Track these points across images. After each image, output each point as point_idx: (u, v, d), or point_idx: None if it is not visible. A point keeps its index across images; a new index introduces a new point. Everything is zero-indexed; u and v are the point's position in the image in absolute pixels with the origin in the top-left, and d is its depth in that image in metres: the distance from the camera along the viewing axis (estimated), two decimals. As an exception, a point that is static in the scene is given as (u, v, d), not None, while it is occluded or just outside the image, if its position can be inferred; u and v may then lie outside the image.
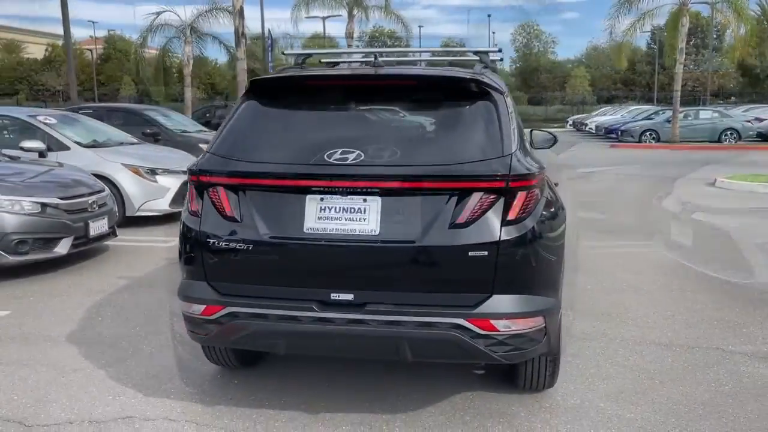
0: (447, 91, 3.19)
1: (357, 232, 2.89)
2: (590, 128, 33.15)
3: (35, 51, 65.66)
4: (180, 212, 3.37)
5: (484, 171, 2.86)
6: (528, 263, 2.94)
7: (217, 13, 26.84)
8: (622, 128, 27.13)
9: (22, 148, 8.12)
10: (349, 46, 27.16)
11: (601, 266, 6.50)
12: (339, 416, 3.40)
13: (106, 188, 7.14)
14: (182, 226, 3.20)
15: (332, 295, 2.93)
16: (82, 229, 6.36)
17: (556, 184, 4.55)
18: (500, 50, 4.06)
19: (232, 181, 3.03)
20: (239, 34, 18.09)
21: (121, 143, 9.50)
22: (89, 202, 6.53)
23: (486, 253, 2.83)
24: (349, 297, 2.92)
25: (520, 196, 2.90)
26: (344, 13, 28.62)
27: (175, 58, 31.54)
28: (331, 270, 2.95)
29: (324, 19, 35.28)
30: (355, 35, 29.48)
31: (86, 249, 6.70)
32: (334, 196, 2.93)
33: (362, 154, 2.90)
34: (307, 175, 2.94)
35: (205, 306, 3.09)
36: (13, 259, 5.89)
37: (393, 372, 3.87)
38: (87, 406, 3.52)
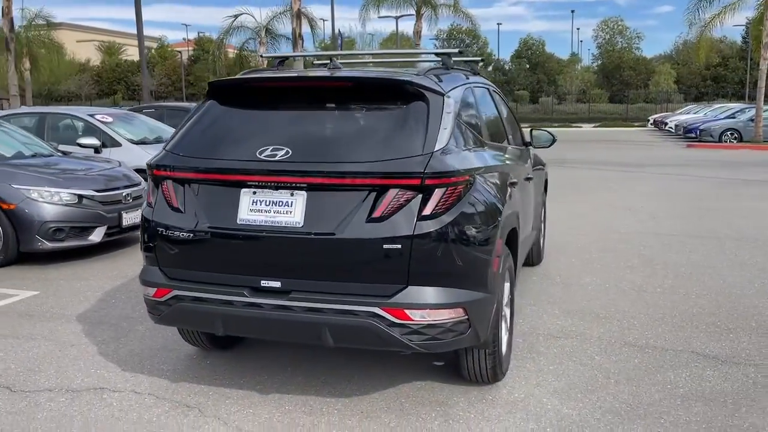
0: (380, 92, 3.33)
1: (283, 224, 3.10)
2: (669, 127, 31.83)
3: (134, 53, 69.55)
4: None
5: (399, 169, 3.00)
6: (445, 257, 3.04)
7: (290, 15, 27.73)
8: (701, 127, 25.89)
9: (79, 145, 8.84)
10: (416, 44, 27.35)
11: (614, 266, 6.42)
12: (286, 397, 3.61)
13: (143, 182, 7.66)
14: (141, 216, 3.51)
15: (262, 282, 3.16)
16: (116, 219, 6.89)
17: (527, 179, 4.57)
18: (461, 52, 4.15)
19: (179, 175, 3.31)
20: (296, 36, 18.67)
21: (171, 140, 10.08)
22: (123, 194, 7.05)
23: (400, 246, 2.97)
24: (277, 284, 3.14)
25: (437, 193, 3.01)
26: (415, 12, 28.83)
27: (254, 58, 32.75)
28: (261, 259, 3.17)
29: (397, 18, 35.61)
30: (429, 33, 29.60)
31: (121, 238, 7.25)
32: (265, 190, 3.15)
33: (290, 151, 3.11)
34: (240, 170, 3.18)
35: (156, 289, 3.39)
36: (50, 245, 6.47)
37: (355, 359, 4.04)
38: (69, 378, 3.90)
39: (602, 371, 3.95)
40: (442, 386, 3.75)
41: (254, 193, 3.16)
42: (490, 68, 61.77)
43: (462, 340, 3.20)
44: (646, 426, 3.29)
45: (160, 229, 3.33)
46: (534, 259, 6.31)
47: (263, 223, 3.13)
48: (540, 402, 3.56)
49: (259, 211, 3.14)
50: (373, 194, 3.02)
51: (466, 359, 3.55)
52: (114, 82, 65.19)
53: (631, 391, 3.68)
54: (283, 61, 4.23)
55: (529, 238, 5.40)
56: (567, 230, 8.24)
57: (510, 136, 4.85)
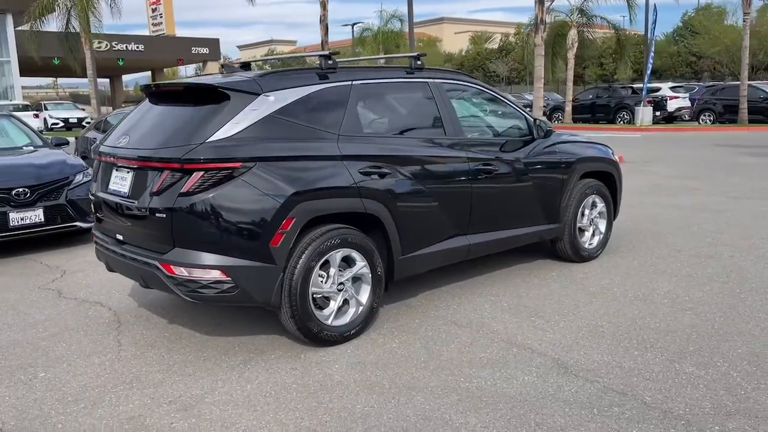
0: (199, 93, 4.15)
1: (122, 193, 4.21)
2: None
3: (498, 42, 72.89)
4: None
5: (167, 155, 3.83)
6: (200, 227, 3.76)
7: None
8: None
9: None
10: (746, 13, 23.59)
11: (669, 274, 5.71)
12: (183, 330, 4.64)
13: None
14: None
15: (117, 235, 4.33)
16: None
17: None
18: (337, 52, 4.51)
19: (96, 157, 4.66)
20: (537, 22, 18.11)
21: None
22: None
23: (164, 215, 3.81)
24: (120, 237, 4.28)
25: (195, 175, 3.75)
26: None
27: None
28: (115, 217, 4.33)
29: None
30: None
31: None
32: (121, 168, 4.29)
33: (129, 140, 4.18)
34: (108, 154, 4.38)
35: (93, 235, 4.83)
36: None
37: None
38: (97, 295, 5.58)
39: (431, 356, 4.03)
40: (290, 343, 4.33)
41: (117, 170, 4.34)
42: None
43: (230, 298, 3.86)
44: (372, 401, 3.47)
45: (90, 192, 4.75)
46: (571, 255, 6.02)
47: (115, 192, 4.29)
48: (328, 370, 3.90)
49: (116, 183, 4.31)
50: (158, 173, 3.91)
51: (280, 318, 4.14)
52: (473, 69, 69.51)
53: (414, 375, 3.78)
54: (248, 65, 5.18)
55: (514, 230, 5.37)
56: (702, 233, 7.26)
57: (455, 129, 4.92)
